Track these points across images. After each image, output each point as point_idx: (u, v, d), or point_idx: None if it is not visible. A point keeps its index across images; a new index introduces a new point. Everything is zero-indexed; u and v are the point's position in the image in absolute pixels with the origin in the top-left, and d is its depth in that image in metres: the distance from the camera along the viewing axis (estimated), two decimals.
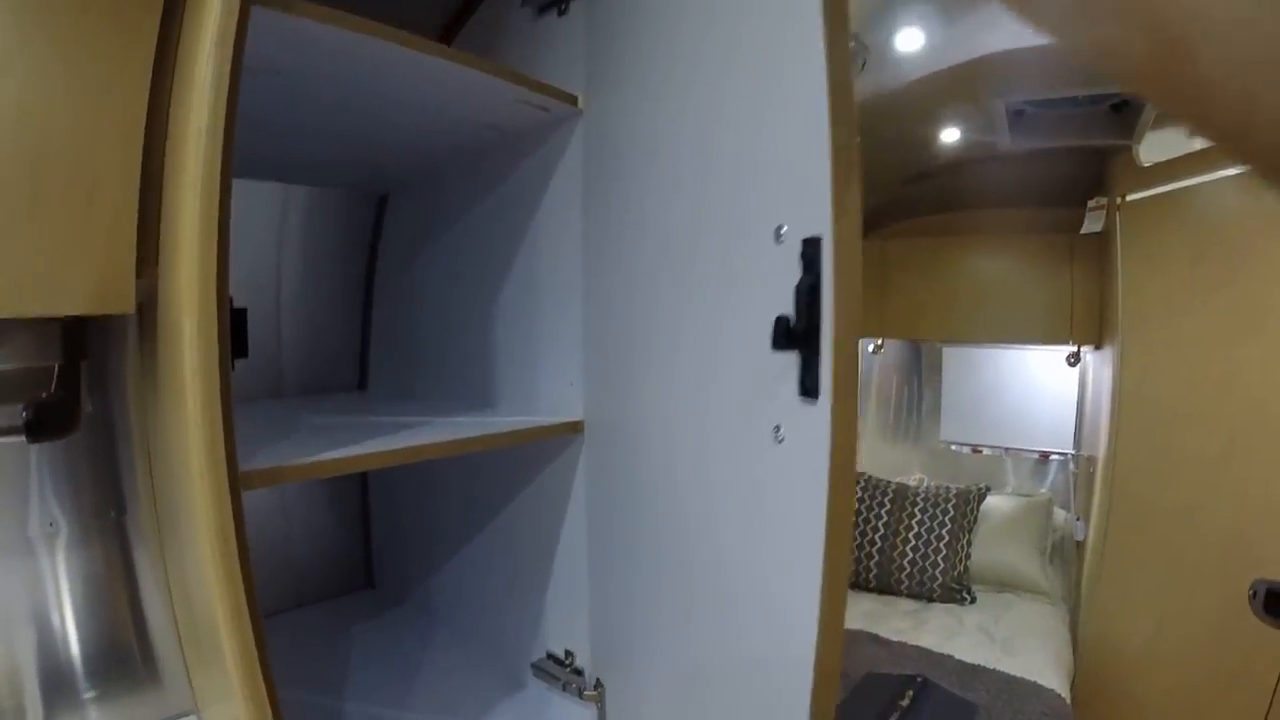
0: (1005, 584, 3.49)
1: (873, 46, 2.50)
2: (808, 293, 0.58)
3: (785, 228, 0.64)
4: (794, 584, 0.68)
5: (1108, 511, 3.16)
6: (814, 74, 0.64)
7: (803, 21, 0.65)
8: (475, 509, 1.38)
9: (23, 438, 0.96)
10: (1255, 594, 2.23)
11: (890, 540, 3.51)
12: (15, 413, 0.95)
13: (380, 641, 1.50)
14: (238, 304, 0.82)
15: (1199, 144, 2.86)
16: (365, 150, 1.29)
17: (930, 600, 3.38)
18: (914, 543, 3.46)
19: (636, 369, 0.98)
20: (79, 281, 0.91)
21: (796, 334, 0.60)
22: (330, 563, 1.73)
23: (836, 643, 0.66)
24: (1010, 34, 2.42)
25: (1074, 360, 3.65)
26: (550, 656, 1.21)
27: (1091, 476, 3.42)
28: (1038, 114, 2.93)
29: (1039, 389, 3.80)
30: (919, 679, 2.61)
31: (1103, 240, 3.33)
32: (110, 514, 1.18)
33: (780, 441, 0.66)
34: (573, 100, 1.08)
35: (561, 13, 1.12)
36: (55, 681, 1.12)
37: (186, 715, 1.20)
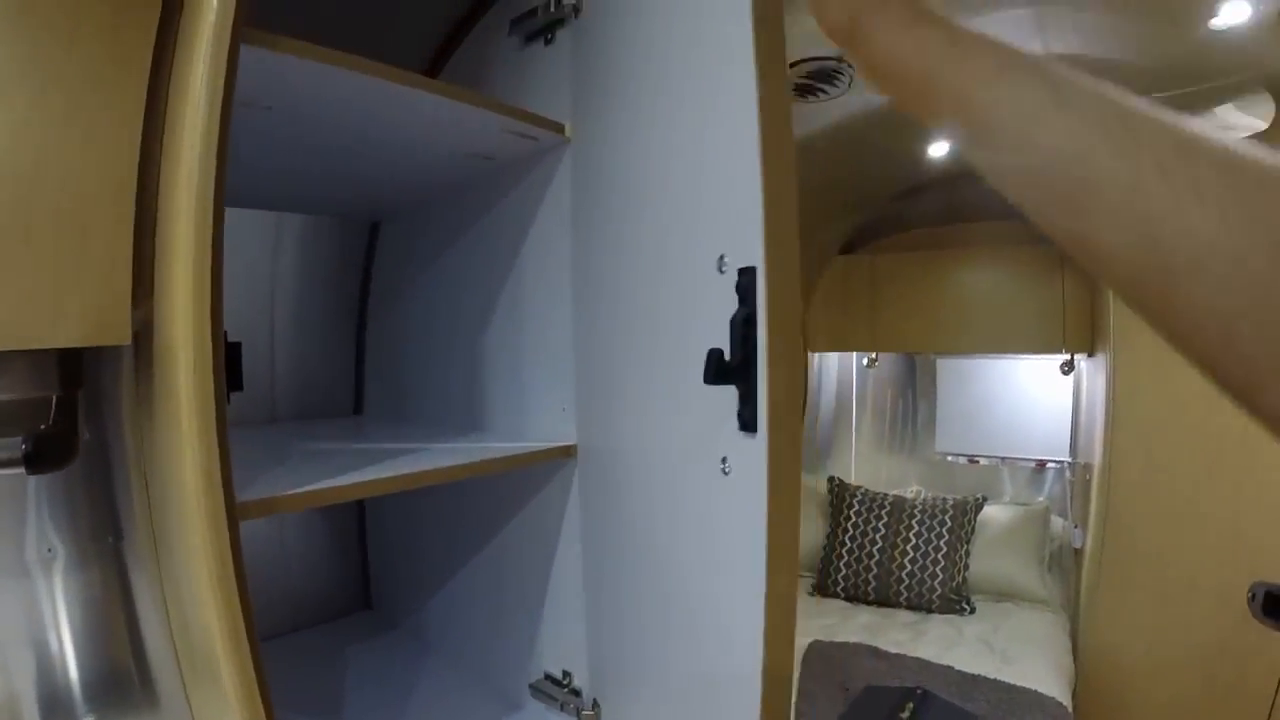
0: (1004, 593, 3.49)
1: None
2: (742, 324, 0.58)
3: (727, 257, 0.65)
4: (740, 612, 0.69)
5: (1105, 519, 3.17)
6: (746, 104, 0.65)
7: (738, 58, 0.66)
8: (472, 531, 1.39)
9: (22, 469, 0.96)
10: (1254, 596, 2.23)
11: (888, 552, 3.51)
12: (14, 445, 0.95)
13: (378, 663, 1.50)
14: (232, 335, 0.83)
15: None
16: (356, 182, 1.30)
17: (929, 611, 3.39)
18: (912, 554, 3.47)
19: (618, 396, 1.00)
20: (75, 313, 0.91)
21: (732, 367, 0.60)
22: (327, 585, 1.73)
23: (785, 662, 0.67)
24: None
25: (1068, 369, 3.67)
26: (548, 677, 1.22)
27: (1088, 484, 3.42)
28: None
29: (1034, 398, 3.82)
30: (919, 691, 2.61)
31: None
32: (107, 539, 1.19)
33: (727, 474, 0.67)
34: (560, 129, 1.09)
35: (548, 42, 1.13)
36: (53, 705, 1.12)
37: None
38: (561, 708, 1.16)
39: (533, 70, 1.16)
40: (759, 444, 0.61)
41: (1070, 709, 2.65)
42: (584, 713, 1.12)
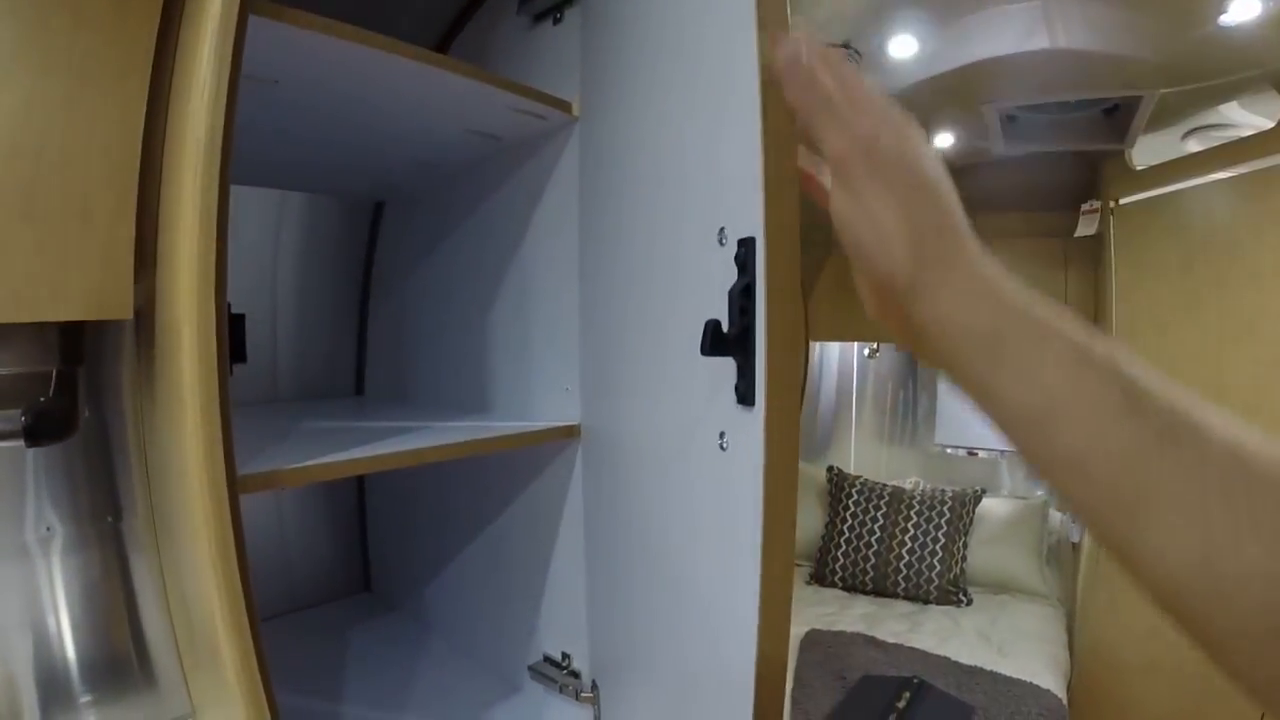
0: (1001, 586, 3.50)
1: (865, 53, 2.51)
2: (740, 295, 0.57)
3: (727, 229, 0.63)
4: (735, 592, 0.68)
5: None
6: (748, 74, 0.64)
7: (742, 30, 0.65)
8: (473, 512, 1.39)
9: (21, 442, 0.96)
10: None
11: (886, 543, 3.52)
12: (14, 417, 0.95)
13: (377, 645, 1.50)
14: (235, 310, 0.83)
15: (1191, 148, 2.89)
16: (362, 159, 1.29)
17: (927, 603, 3.39)
18: (910, 545, 3.47)
19: (622, 375, 0.99)
20: (76, 288, 0.91)
21: (730, 339, 0.58)
22: (327, 567, 1.73)
23: (780, 647, 0.66)
24: (1003, 40, 2.44)
25: None
26: (547, 659, 1.22)
27: None
28: (1030, 119, 2.94)
29: None
30: (916, 681, 2.61)
31: (1096, 244, 3.35)
32: (107, 519, 1.18)
33: (725, 449, 0.66)
34: (567, 107, 1.08)
35: (557, 21, 1.12)
36: (51, 686, 1.12)
37: (183, 719, 1.21)
38: (561, 690, 1.15)
39: (541, 50, 1.16)
40: (756, 417, 0.59)
41: (1065, 702, 2.66)
42: (583, 695, 1.12)
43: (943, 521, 3.51)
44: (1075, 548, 3.43)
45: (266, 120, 1.04)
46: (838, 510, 3.75)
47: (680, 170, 0.79)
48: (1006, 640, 3.01)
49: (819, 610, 3.33)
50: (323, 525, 1.72)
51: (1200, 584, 0.37)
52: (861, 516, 3.64)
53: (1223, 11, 2.12)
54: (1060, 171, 3.39)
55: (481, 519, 1.36)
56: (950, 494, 3.63)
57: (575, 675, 1.16)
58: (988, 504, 3.62)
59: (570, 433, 1.10)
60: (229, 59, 0.69)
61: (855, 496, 3.71)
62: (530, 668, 1.22)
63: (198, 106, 0.69)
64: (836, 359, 4.55)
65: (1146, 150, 2.99)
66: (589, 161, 1.08)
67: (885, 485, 3.77)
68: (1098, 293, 3.41)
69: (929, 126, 3.11)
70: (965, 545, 3.52)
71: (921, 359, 0.49)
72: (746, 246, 0.58)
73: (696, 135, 0.75)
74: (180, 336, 0.69)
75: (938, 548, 3.46)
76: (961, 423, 4.02)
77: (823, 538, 3.74)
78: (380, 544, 1.76)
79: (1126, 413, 0.39)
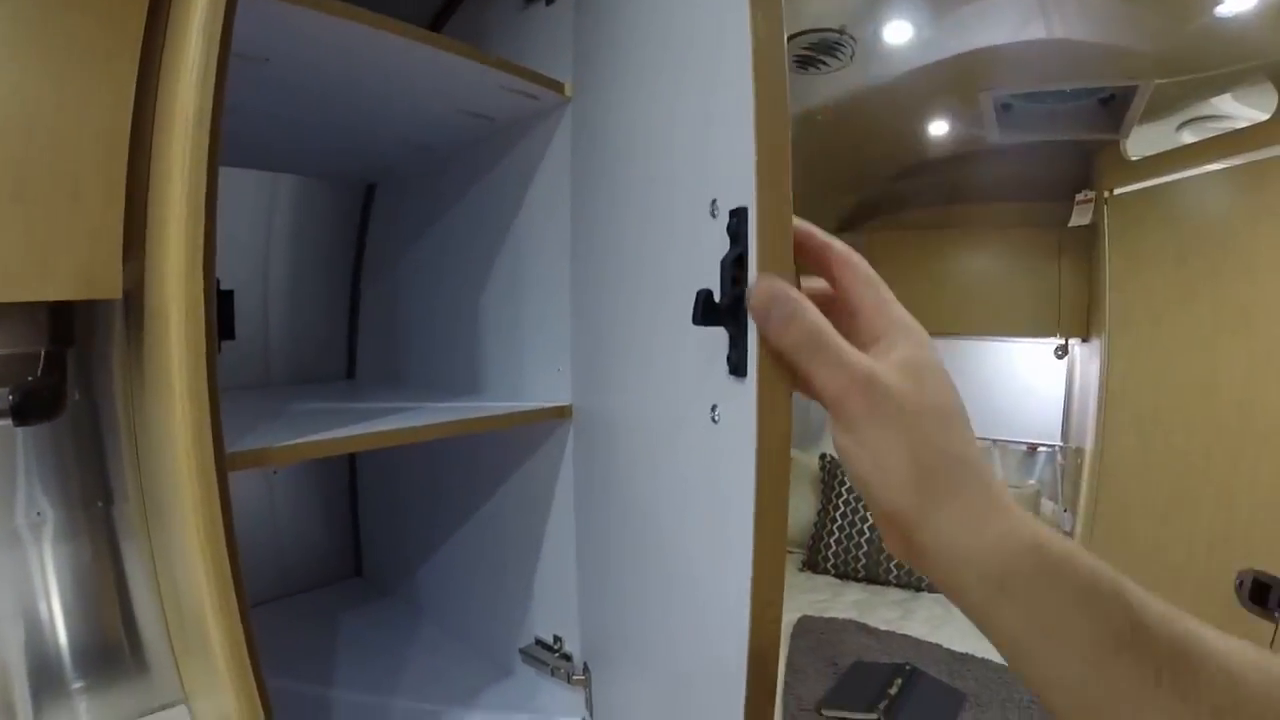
0: None
1: (860, 39, 2.51)
2: (732, 265, 0.56)
3: (719, 201, 0.63)
4: (725, 564, 0.67)
5: (1095, 503, 3.19)
6: (739, 50, 0.63)
7: (733, 6, 0.64)
8: (464, 496, 1.39)
9: (9, 421, 0.96)
10: (1241, 584, 2.24)
11: (879, 531, 3.53)
12: (2, 396, 0.95)
13: (368, 629, 1.50)
14: (224, 288, 0.82)
15: (1186, 139, 2.89)
16: (353, 140, 1.29)
17: (919, 590, 3.41)
18: None
19: (614, 354, 0.99)
20: (65, 268, 0.91)
21: (722, 309, 0.58)
22: (317, 552, 1.73)
23: (774, 623, 0.65)
24: (999, 28, 2.44)
25: (1062, 353, 3.67)
26: (539, 642, 1.22)
27: (1079, 469, 3.44)
28: (1026, 108, 2.95)
29: (1027, 382, 3.83)
30: (907, 667, 2.62)
31: (1090, 234, 3.35)
32: (98, 504, 1.18)
33: (716, 422, 0.65)
34: (559, 87, 1.08)
35: (549, 1, 1.12)
36: (43, 673, 1.12)
37: (174, 705, 1.21)
38: (552, 673, 1.15)
39: (533, 31, 1.15)
40: (749, 387, 0.58)
41: None
42: (574, 677, 1.12)
43: None
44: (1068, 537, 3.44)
45: (257, 101, 1.03)
46: (830, 498, 3.76)
47: (671, 146, 0.79)
48: None
49: (811, 597, 3.34)
50: (314, 510, 1.72)
51: None
52: (854, 504, 3.65)
53: (1219, 3, 2.12)
54: (1055, 161, 3.39)
55: (473, 503, 1.36)
56: None
57: (567, 658, 1.16)
58: None
59: (562, 413, 1.10)
60: (219, 34, 0.69)
61: (848, 484, 3.71)
62: (521, 651, 1.22)
63: (187, 82, 0.68)
64: None
65: (1141, 141, 2.99)
66: (581, 142, 1.07)
67: None
68: (1091, 283, 3.42)
69: (923, 113, 3.11)
70: None
71: (926, 577, 0.49)
72: (739, 216, 0.57)
73: (688, 110, 0.75)
74: (168, 312, 0.69)
75: None
76: None
77: (815, 525, 3.75)
78: (371, 529, 1.76)
79: (1127, 646, 0.40)
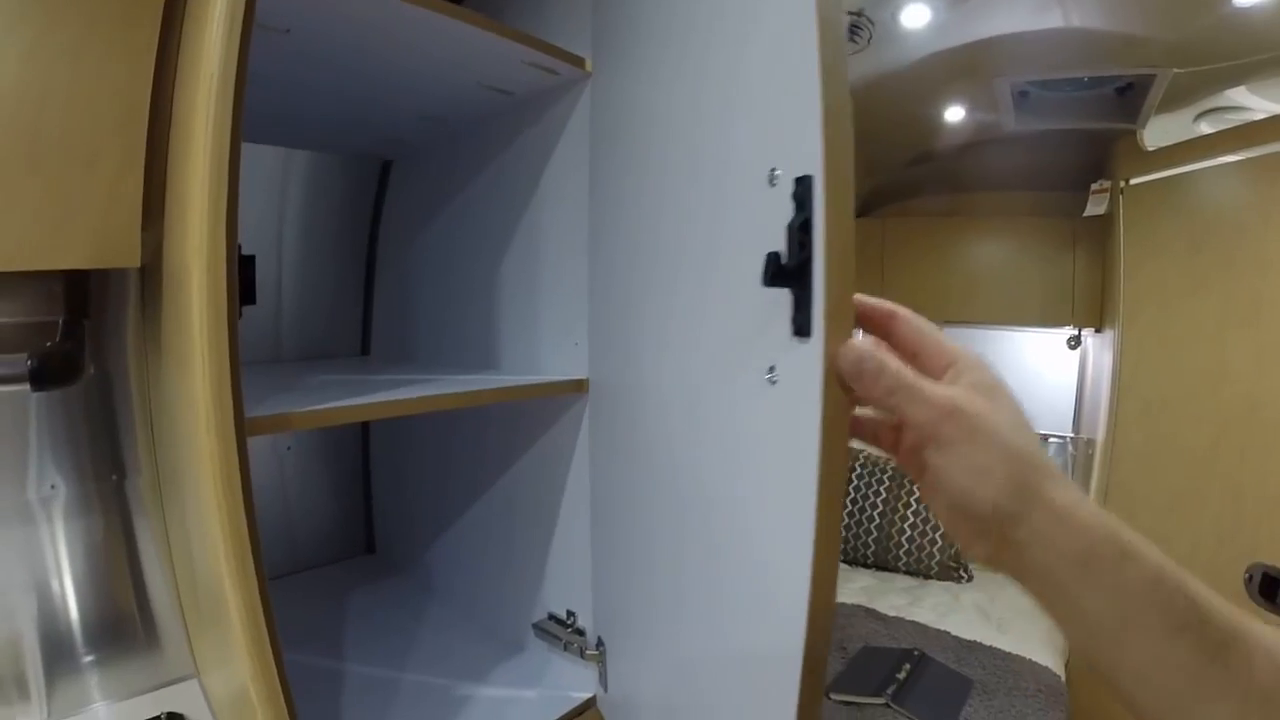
0: None
1: (878, 22, 2.49)
2: (800, 229, 0.58)
3: (778, 170, 0.64)
4: (785, 530, 0.67)
5: (1105, 495, 3.17)
6: (805, 20, 0.62)
7: None
8: (477, 472, 1.39)
9: (27, 386, 0.96)
10: (1250, 578, 2.23)
11: (889, 518, 3.52)
12: (19, 361, 0.95)
13: (380, 605, 1.51)
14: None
15: (1203, 130, 2.87)
16: (370, 113, 1.28)
17: (927, 577, 3.41)
18: (912, 520, 3.48)
19: (645, 323, 0.98)
20: (82, 236, 0.91)
21: (788, 270, 0.59)
22: (328, 528, 1.73)
23: (831, 589, 0.65)
24: (1017, 15, 2.42)
25: (1074, 343, 3.66)
26: (551, 617, 1.22)
27: (1090, 460, 3.43)
28: (1042, 95, 2.93)
29: (1038, 372, 3.81)
30: (916, 653, 2.63)
31: (1105, 224, 3.33)
32: (111, 478, 1.18)
33: (774, 383, 0.65)
34: (580, 63, 1.07)
35: None
36: (54, 646, 1.12)
37: (186, 679, 1.21)
38: (565, 648, 1.15)
39: (552, 5, 1.14)
40: (814, 347, 0.59)
41: (1063, 679, 2.66)
42: (587, 652, 1.12)
43: None
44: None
45: (276, 72, 1.03)
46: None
47: (721, 118, 0.78)
48: (1006, 617, 3.02)
49: None
50: (325, 487, 1.72)
51: None
52: (865, 491, 3.64)
53: None
54: (1070, 150, 3.37)
55: (487, 479, 1.36)
56: None
57: (580, 633, 1.16)
58: None
59: (579, 387, 1.10)
60: (243, 3, 0.69)
61: (858, 470, 3.71)
62: (534, 625, 1.22)
63: (211, 46, 0.68)
64: None
65: (1158, 131, 2.97)
66: (603, 118, 1.07)
67: (888, 461, 3.76)
68: (1105, 273, 3.40)
69: (939, 99, 3.09)
70: None
71: (1009, 575, 0.54)
72: (804, 184, 0.58)
73: (743, 85, 0.74)
74: (190, 276, 0.69)
75: (939, 523, 3.46)
76: None
77: None
78: (384, 506, 1.76)
79: (1189, 628, 0.47)
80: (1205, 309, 2.76)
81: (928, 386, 0.54)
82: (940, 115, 3.21)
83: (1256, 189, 2.62)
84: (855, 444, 0.63)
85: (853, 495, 3.67)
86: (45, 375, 0.96)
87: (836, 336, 0.57)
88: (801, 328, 0.59)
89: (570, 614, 1.18)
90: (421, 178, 1.56)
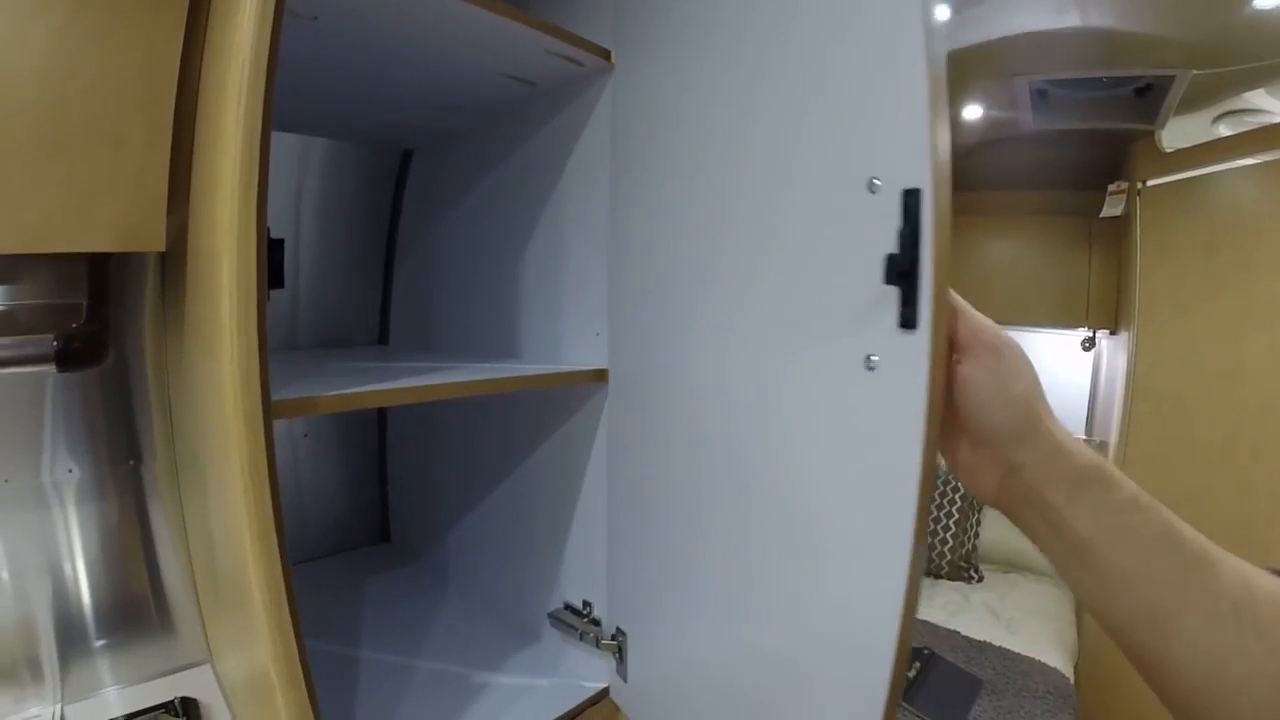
0: (1012, 564, 3.51)
1: None
2: (911, 236, 0.63)
3: (879, 180, 0.67)
4: (883, 515, 0.68)
5: None
6: (913, 23, 0.65)
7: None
8: (495, 461, 1.39)
9: (48, 368, 0.96)
10: None
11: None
12: (46, 342, 0.95)
13: (395, 594, 1.51)
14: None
15: (1222, 131, 2.86)
16: (394, 101, 1.28)
17: (938, 577, 3.41)
18: None
19: (668, 315, 0.98)
20: (108, 220, 0.91)
21: (902, 272, 0.64)
22: (344, 516, 1.74)
23: (918, 578, 0.68)
24: (1036, 14, 2.41)
25: (1089, 345, 3.64)
26: (568, 607, 1.22)
27: None
28: (1061, 95, 2.91)
29: (1052, 373, 3.80)
30: (925, 652, 2.63)
31: (1122, 225, 3.32)
32: (127, 463, 1.19)
33: (872, 369, 0.68)
34: (606, 55, 1.07)
35: None
36: (69, 630, 1.13)
37: (199, 664, 1.22)
38: (581, 637, 1.16)
39: None
40: (920, 337, 0.63)
41: (1072, 680, 2.66)
42: (603, 642, 1.12)
43: (956, 498, 3.51)
44: None
45: (302, 59, 1.03)
46: None
47: (808, 127, 0.78)
48: (1015, 617, 3.02)
49: None
50: (341, 474, 1.73)
51: (1212, 685, 0.50)
52: None
53: None
54: (1088, 150, 3.36)
55: (504, 469, 1.36)
56: None
57: (596, 623, 1.16)
58: None
59: (600, 376, 1.10)
60: None
61: None
62: (550, 615, 1.23)
63: (244, 31, 0.68)
64: None
65: (1177, 132, 2.96)
66: (629, 111, 1.06)
67: None
68: (1121, 274, 3.39)
69: (957, 97, 3.08)
70: (978, 523, 3.52)
71: (1006, 509, 0.64)
72: (913, 196, 0.63)
73: (834, 94, 0.74)
74: (220, 259, 0.69)
75: (950, 524, 3.46)
76: None
77: None
78: (400, 495, 1.77)
79: (1167, 544, 0.54)
80: (1221, 311, 2.75)
81: (975, 311, 0.64)
82: (958, 113, 3.20)
83: (1275, 192, 2.61)
84: None
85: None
86: (71, 356, 0.97)
87: (939, 328, 0.62)
88: (908, 320, 0.63)
89: (586, 604, 1.19)
90: (443, 167, 1.56)
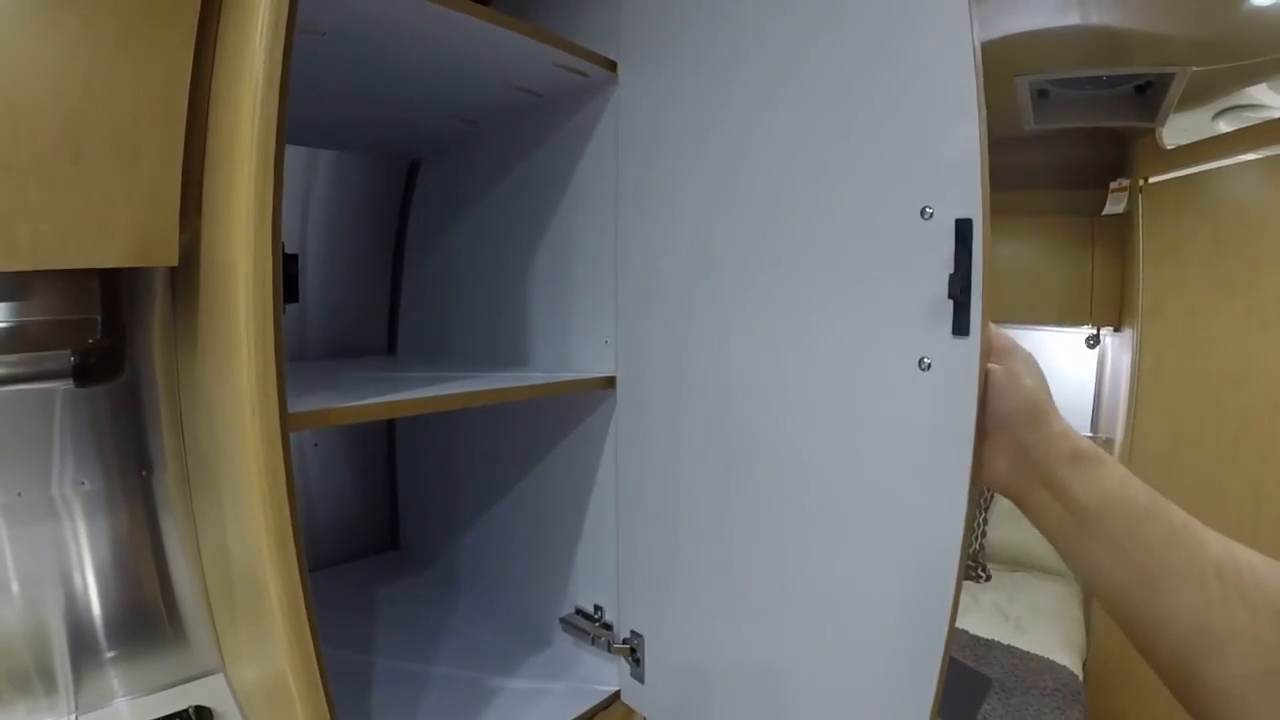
0: (1020, 563, 3.50)
1: None
2: (965, 257, 0.69)
3: (932, 210, 0.72)
4: (936, 511, 0.72)
5: None
6: (963, 57, 0.70)
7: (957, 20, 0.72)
8: (504, 467, 1.40)
9: (64, 383, 0.97)
10: None
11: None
12: (63, 358, 0.96)
13: (406, 600, 1.52)
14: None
15: (1222, 128, 2.86)
16: (401, 113, 1.29)
17: None
18: None
19: (682, 322, 1.00)
20: (123, 234, 0.92)
21: (960, 288, 0.70)
22: (354, 524, 1.75)
23: (963, 570, 0.73)
24: (1036, 13, 2.42)
25: (1093, 343, 3.65)
26: (579, 611, 1.23)
27: None
28: (1062, 94, 2.91)
29: (1057, 370, 3.79)
30: None
31: (1124, 223, 3.32)
32: (139, 474, 1.20)
33: (926, 369, 0.73)
34: (612, 66, 1.08)
35: None
36: (81, 640, 1.14)
37: (212, 674, 1.23)
38: (592, 641, 1.17)
39: (580, 5, 1.15)
40: (972, 342, 0.69)
41: (1081, 679, 2.66)
42: (615, 646, 1.13)
43: None
44: None
45: (311, 74, 1.03)
46: None
47: (859, 155, 0.80)
48: (1024, 616, 3.02)
49: None
50: (351, 482, 1.74)
51: (1196, 642, 0.55)
52: None
53: None
54: (1089, 148, 3.36)
55: (514, 476, 1.37)
56: None
57: (607, 627, 1.17)
58: None
59: (609, 383, 1.11)
60: (287, 4, 0.70)
61: None
62: (561, 619, 1.24)
63: (255, 47, 0.69)
64: None
65: (1178, 129, 2.96)
66: (638, 122, 1.07)
67: None
68: (1124, 271, 3.39)
69: None
70: (985, 521, 3.53)
71: (1015, 495, 0.71)
72: (965, 226, 0.69)
73: (889, 122, 0.77)
74: (236, 273, 0.70)
75: None
76: None
77: None
78: (409, 502, 1.77)
79: (1156, 513, 0.61)
80: (1225, 307, 2.75)
81: (990, 323, 0.70)
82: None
83: (1277, 187, 2.61)
84: None
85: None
86: (89, 372, 0.98)
87: (985, 334, 0.69)
88: (961, 328, 0.70)
89: (598, 608, 1.19)
90: (450, 177, 1.57)
